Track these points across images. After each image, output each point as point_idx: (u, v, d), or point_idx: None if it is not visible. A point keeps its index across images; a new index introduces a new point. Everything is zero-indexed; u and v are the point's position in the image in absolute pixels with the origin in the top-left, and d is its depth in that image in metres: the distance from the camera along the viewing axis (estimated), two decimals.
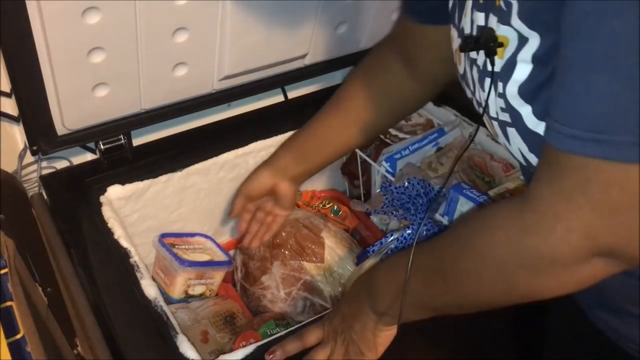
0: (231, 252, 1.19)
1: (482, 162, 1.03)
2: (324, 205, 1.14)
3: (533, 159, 0.55)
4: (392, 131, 1.12)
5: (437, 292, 0.62)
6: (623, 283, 0.60)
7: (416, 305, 0.64)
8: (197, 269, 0.96)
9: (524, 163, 0.57)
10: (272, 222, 1.00)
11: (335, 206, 1.13)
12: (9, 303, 0.64)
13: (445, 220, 0.92)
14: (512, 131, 0.56)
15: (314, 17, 0.99)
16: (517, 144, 0.56)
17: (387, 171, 1.05)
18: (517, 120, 0.54)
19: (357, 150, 1.14)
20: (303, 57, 1.06)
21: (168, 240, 1.00)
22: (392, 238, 0.90)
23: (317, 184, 1.25)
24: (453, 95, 1.10)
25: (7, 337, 0.60)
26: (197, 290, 0.98)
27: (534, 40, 0.50)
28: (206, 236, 1.09)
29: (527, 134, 0.54)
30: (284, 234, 1.05)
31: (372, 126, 0.88)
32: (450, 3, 0.66)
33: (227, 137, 1.07)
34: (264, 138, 1.08)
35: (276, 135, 1.09)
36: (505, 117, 0.56)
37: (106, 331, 0.75)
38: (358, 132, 0.88)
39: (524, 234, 0.50)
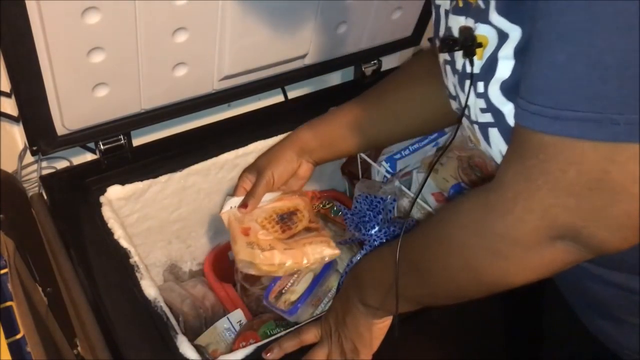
0: (230, 253, 1.19)
1: (482, 162, 1.03)
2: (324, 205, 1.14)
3: None
4: None
5: (411, 284, 0.62)
6: (624, 297, 0.60)
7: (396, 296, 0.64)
8: (307, 301, 0.90)
9: None
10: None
11: (335, 206, 1.13)
12: (9, 303, 0.64)
13: None
14: (493, 132, 0.55)
15: (314, 17, 0.99)
16: (498, 146, 0.55)
17: (387, 171, 1.05)
18: (499, 119, 0.53)
19: None
20: (303, 57, 1.06)
21: (273, 293, 0.93)
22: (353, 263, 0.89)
23: (317, 184, 1.25)
24: None
25: (7, 337, 0.60)
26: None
27: (515, 34, 0.49)
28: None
29: (509, 133, 0.53)
30: None
31: (405, 127, 0.84)
32: (434, 16, 0.64)
33: (227, 137, 1.06)
34: (264, 138, 1.08)
35: (276, 135, 1.09)
36: (487, 117, 0.55)
37: (106, 331, 0.75)
38: (390, 129, 0.83)
39: (485, 214, 0.50)
